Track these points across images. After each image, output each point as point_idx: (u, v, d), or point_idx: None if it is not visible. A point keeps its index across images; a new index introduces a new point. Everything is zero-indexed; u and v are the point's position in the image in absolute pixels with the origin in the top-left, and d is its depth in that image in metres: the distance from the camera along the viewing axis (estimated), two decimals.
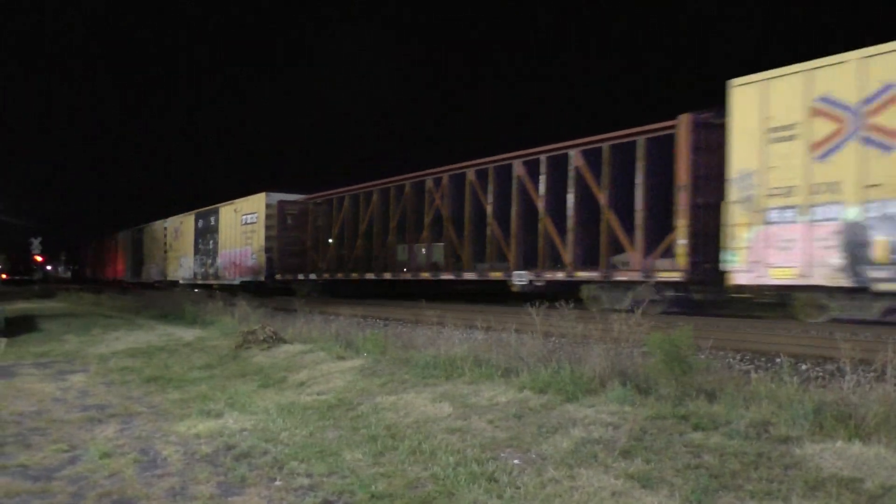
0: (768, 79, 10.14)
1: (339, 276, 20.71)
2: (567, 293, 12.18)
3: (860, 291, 9.19)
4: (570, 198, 13.40)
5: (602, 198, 12.78)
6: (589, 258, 13.27)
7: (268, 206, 23.08)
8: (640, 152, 12.11)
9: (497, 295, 16.46)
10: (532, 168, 14.32)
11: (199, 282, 28.71)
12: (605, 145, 12.76)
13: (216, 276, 27.11)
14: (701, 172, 11.17)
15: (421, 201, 17.81)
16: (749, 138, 10.28)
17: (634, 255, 12.12)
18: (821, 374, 5.93)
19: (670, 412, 4.33)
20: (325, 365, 7.39)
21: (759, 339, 7.85)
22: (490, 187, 15.45)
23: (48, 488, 3.77)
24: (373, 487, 3.53)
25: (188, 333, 11.74)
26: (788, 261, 9.76)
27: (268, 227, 23.09)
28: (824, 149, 9.47)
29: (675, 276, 11.32)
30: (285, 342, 9.19)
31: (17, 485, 3.82)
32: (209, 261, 28.05)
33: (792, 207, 9.78)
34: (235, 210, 25.48)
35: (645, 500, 3.17)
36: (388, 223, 18.98)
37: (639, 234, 12.07)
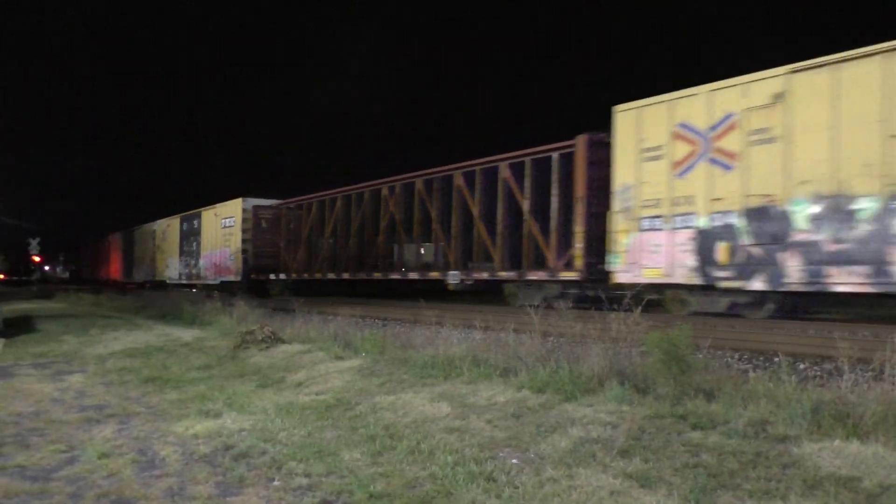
0: (642, 106, 11.71)
1: (305, 275, 22.27)
2: (494, 290, 15.28)
3: (710, 288, 10.68)
4: (500, 206, 14.88)
5: (525, 206, 14.21)
6: (515, 260, 14.69)
7: (244, 210, 24.52)
8: (555, 166, 13.58)
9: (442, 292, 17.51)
10: (469, 179, 15.90)
11: (184, 282, 30.12)
12: (527, 159, 14.20)
13: (199, 277, 28.52)
14: (595, 185, 12.63)
15: (377, 208, 19.38)
16: (628, 157, 11.87)
17: (550, 257, 13.56)
18: (819, 373, 5.94)
19: (669, 411, 4.33)
20: (323, 365, 7.39)
21: (758, 338, 7.86)
22: (434, 196, 16.95)
23: (46, 489, 3.76)
24: (371, 487, 3.53)
25: (186, 334, 11.74)
26: (656, 262, 11.31)
27: (244, 231, 24.51)
28: (682, 167, 11.05)
29: (574, 276, 12.90)
30: (284, 342, 9.19)
31: (15, 485, 3.82)
32: (193, 262, 29.48)
33: (659, 217, 11.35)
34: (216, 214, 26.96)
35: (643, 500, 3.17)
36: (350, 227, 20.43)
37: (553, 238, 13.52)
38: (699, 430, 4.00)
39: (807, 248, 9.43)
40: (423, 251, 18.13)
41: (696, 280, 10.72)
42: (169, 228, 32.96)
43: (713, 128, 10.61)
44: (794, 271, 9.55)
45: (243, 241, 24.41)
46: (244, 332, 9.52)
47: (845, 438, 3.63)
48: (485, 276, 15.17)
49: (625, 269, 11.82)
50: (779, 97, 9.88)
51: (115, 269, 44.18)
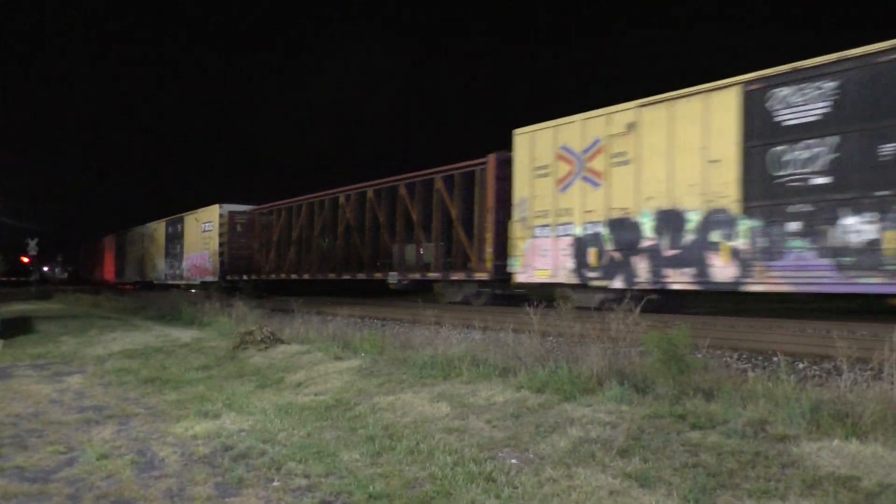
0: (535, 130, 13.53)
1: (273, 276, 24.34)
2: (426, 289, 17.71)
3: (584, 287, 12.49)
4: (434, 214, 16.75)
5: (454, 214, 16.04)
6: (447, 262, 16.78)
7: (221, 215, 26.40)
8: (478, 179, 15.35)
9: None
10: (410, 189, 17.73)
11: (170, 282, 31.85)
12: (456, 173, 16.06)
13: (182, 277, 30.36)
14: (501, 197, 14.47)
15: (335, 214, 21.14)
16: (524, 174, 13.70)
17: (474, 259, 15.32)
18: (818, 372, 5.94)
19: (668, 411, 4.34)
20: (322, 365, 7.39)
21: (757, 337, 7.87)
22: (382, 204, 18.86)
23: (45, 490, 3.76)
24: (370, 488, 3.52)
25: (185, 334, 11.73)
26: (545, 265, 13.16)
27: (221, 235, 26.41)
28: (564, 184, 12.91)
29: (485, 276, 14.83)
30: (283, 343, 9.18)
31: (14, 487, 3.81)
32: (177, 263, 31.35)
33: (547, 226, 13.17)
34: (196, 219, 28.84)
35: (643, 500, 3.17)
36: (313, 232, 22.22)
37: (476, 243, 15.35)
38: (698, 430, 4.00)
39: (651, 253, 11.27)
40: (373, 254, 19.79)
41: (574, 280, 12.55)
42: (156, 232, 34.80)
43: (586, 150, 12.50)
44: (643, 272, 11.41)
45: (220, 244, 26.31)
46: (243, 333, 9.51)
47: (844, 438, 3.63)
48: (417, 276, 17.23)
49: (522, 270, 13.66)
50: (631, 126, 11.72)
51: (108, 270, 45.81)
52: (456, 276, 15.86)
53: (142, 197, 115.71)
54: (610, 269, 11.92)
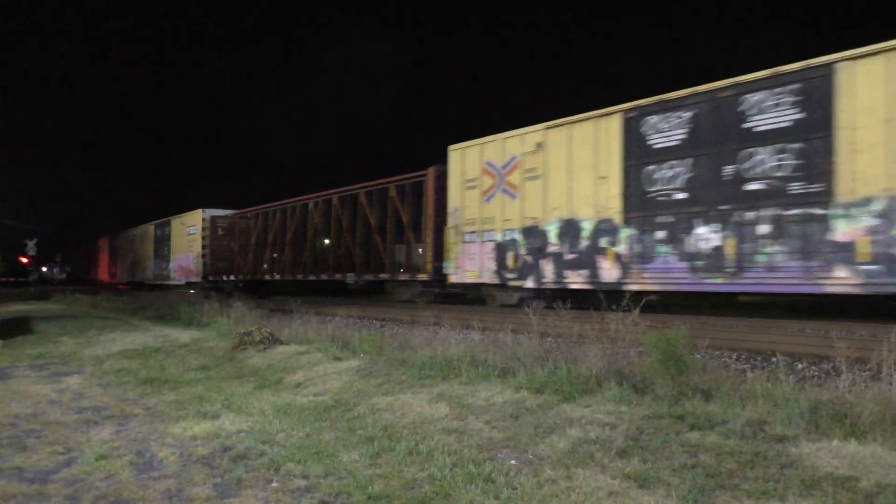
0: (465, 147, 15.18)
1: (249, 277, 25.98)
2: (380, 288, 20.63)
3: (504, 286, 14.19)
4: (388, 220, 18.23)
5: (405, 220, 17.44)
6: (397, 264, 18.41)
7: (203, 220, 28.24)
8: (425, 189, 16.69)
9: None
10: (369, 197, 19.13)
11: (158, 282, 33.67)
12: (407, 183, 17.45)
13: (169, 278, 32.09)
14: (440, 206, 16.00)
15: (305, 220, 22.55)
16: (456, 185, 15.38)
17: (421, 261, 16.90)
18: (817, 373, 5.94)
19: (667, 412, 4.34)
20: (321, 366, 7.38)
21: (755, 338, 7.87)
22: (346, 210, 20.25)
23: (44, 491, 3.75)
24: (369, 488, 3.52)
25: (184, 335, 11.72)
26: (473, 267, 14.83)
27: (203, 238, 28.22)
28: (488, 195, 14.58)
29: (425, 277, 16.44)
30: (282, 343, 9.18)
31: (12, 487, 3.80)
32: (164, 264, 33.15)
33: (474, 232, 14.86)
34: (182, 223, 30.64)
35: (642, 500, 3.17)
36: (286, 236, 23.67)
37: (423, 246, 16.85)
38: (697, 431, 4.01)
39: (555, 257, 12.90)
40: (336, 256, 21.14)
41: (496, 280, 14.21)
42: (146, 235, 36.79)
43: (505, 166, 14.18)
44: (548, 273, 13.02)
45: (203, 246, 28.17)
46: (242, 333, 9.51)
47: (843, 438, 3.63)
48: (370, 277, 19.00)
49: (455, 272, 15.32)
50: (540, 146, 13.37)
51: (103, 270, 47.78)
52: (403, 277, 17.59)
53: (142, 197, 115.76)
54: (524, 271, 13.51)
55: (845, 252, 9.12)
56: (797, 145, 9.66)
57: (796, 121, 9.68)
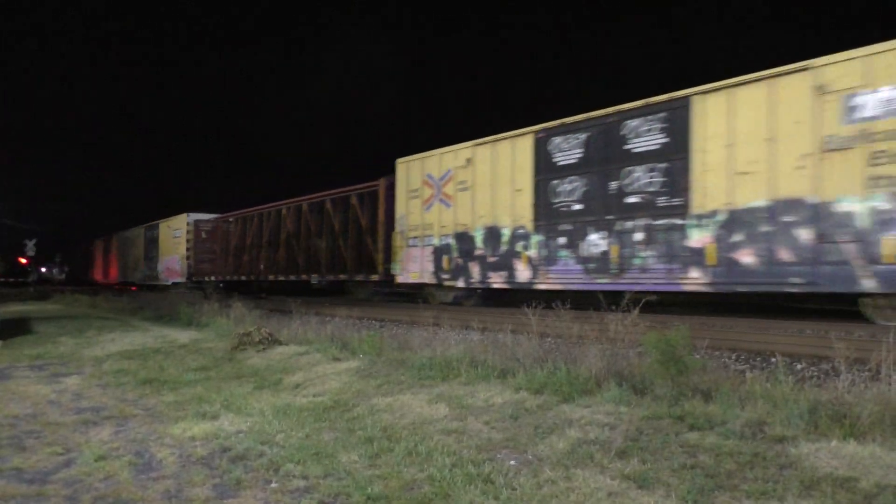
0: (409, 160, 16.72)
1: (229, 278, 27.34)
2: (340, 288, 22.11)
3: (441, 286, 15.75)
4: (350, 225, 19.55)
5: (363, 225, 18.87)
6: (355, 265, 19.50)
7: (188, 223, 29.69)
8: (380, 197, 18.09)
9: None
10: (334, 203, 20.45)
11: (148, 283, 35.27)
12: (365, 191, 18.88)
13: (157, 278, 33.53)
14: (389, 214, 17.58)
15: (279, 224, 23.85)
16: (402, 195, 16.95)
17: (377, 263, 18.14)
18: (816, 373, 5.94)
19: (666, 412, 4.34)
20: (320, 366, 7.38)
21: (755, 338, 7.87)
22: (313, 216, 21.56)
23: (43, 491, 3.75)
24: (369, 489, 3.52)
25: (183, 335, 11.72)
26: (416, 268, 16.33)
27: (188, 241, 29.70)
28: (428, 204, 16.10)
29: (376, 277, 18.08)
30: (281, 344, 9.18)
31: (11, 488, 3.80)
32: (153, 265, 34.81)
33: (417, 237, 16.36)
34: (168, 226, 32.34)
35: (641, 501, 3.17)
36: (262, 239, 25.04)
37: (376, 250, 18.22)
38: (697, 431, 4.00)
39: (481, 260, 14.43)
40: (307, 258, 22.28)
41: (434, 280, 15.72)
42: (137, 237, 38.46)
43: (441, 178, 15.69)
44: (475, 274, 14.58)
45: (187, 249, 29.70)
46: (241, 334, 9.50)
47: (842, 439, 3.63)
48: (331, 278, 20.55)
49: (401, 273, 16.85)
50: (469, 161, 14.92)
51: (98, 271, 49.20)
52: (358, 278, 19.15)
53: (142, 197, 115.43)
54: (456, 272, 15.06)
55: (698, 256, 10.64)
56: (664, 165, 11.24)
57: (663, 144, 11.25)
